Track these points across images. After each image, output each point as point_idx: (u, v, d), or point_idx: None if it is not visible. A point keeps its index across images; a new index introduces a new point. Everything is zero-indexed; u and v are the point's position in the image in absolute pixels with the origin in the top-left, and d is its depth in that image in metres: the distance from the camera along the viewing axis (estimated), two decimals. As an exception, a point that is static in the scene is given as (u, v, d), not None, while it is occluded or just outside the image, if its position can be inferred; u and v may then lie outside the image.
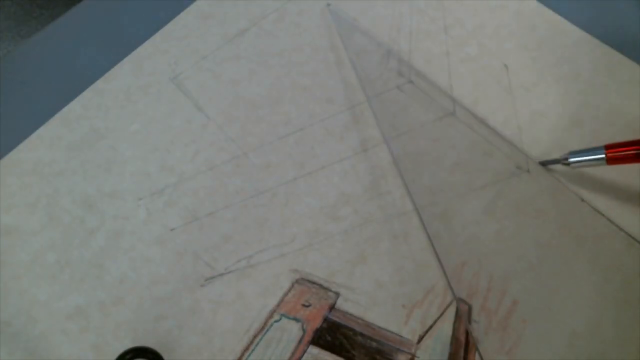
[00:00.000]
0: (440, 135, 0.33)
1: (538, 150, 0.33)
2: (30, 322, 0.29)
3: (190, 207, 0.32)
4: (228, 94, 0.35)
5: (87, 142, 0.34)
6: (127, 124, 0.34)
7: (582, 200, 0.31)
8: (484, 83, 0.35)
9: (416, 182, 0.32)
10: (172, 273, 0.30)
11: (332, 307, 0.29)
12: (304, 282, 0.29)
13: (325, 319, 0.29)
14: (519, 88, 0.35)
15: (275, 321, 0.29)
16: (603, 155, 0.29)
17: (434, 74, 0.35)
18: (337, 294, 0.29)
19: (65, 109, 0.35)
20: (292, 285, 0.29)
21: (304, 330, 0.28)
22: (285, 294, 0.29)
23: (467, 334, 0.28)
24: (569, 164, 0.31)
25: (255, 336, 0.28)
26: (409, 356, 0.28)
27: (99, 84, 0.36)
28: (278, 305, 0.29)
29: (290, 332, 0.28)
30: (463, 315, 0.28)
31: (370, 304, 0.29)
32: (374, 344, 0.28)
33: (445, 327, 0.28)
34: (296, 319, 0.29)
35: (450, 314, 0.29)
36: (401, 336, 0.28)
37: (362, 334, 0.28)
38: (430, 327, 0.28)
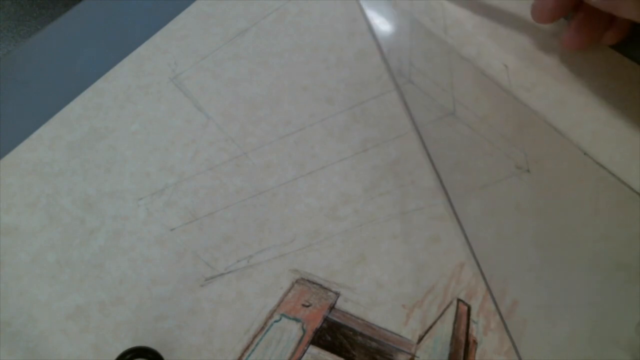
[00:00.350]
0: (440, 135, 0.33)
1: (539, 149, 0.33)
2: (30, 322, 0.29)
3: (190, 207, 0.32)
4: (228, 94, 0.35)
5: (87, 142, 0.34)
6: (127, 124, 0.34)
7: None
8: (484, 82, 0.35)
9: (416, 182, 0.32)
10: (172, 273, 0.30)
11: (332, 307, 0.29)
12: (304, 282, 0.29)
13: (325, 319, 0.29)
14: (519, 88, 0.35)
15: (275, 321, 0.29)
16: None
17: (435, 73, 0.35)
18: (337, 294, 0.29)
19: (65, 109, 0.35)
20: (292, 285, 0.29)
21: (304, 330, 0.28)
22: (285, 294, 0.29)
23: (467, 334, 0.28)
24: None
25: (255, 336, 0.28)
26: (409, 356, 0.28)
27: (99, 84, 0.36)
28: (278, 305, 0.29)
29: (290, 332, 0.28)
30: (462, 316, 0.28)
31: (370, 304, 0.29)
32: (374, 344, 0.28)
33: (445, 327, 0.28)
34: (296, 319, 0.29)
35: (450, 314, 0.29)
36: (401, 336, 0.28)
37: (362, 334, 0.28)
38: (430, 327, 0.28)
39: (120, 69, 0.36)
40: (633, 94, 0.34)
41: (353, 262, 0.30)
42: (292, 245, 0.30)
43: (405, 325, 0.28)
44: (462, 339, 0.28)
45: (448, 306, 0.29)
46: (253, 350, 0.28)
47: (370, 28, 0.37)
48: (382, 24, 0.37)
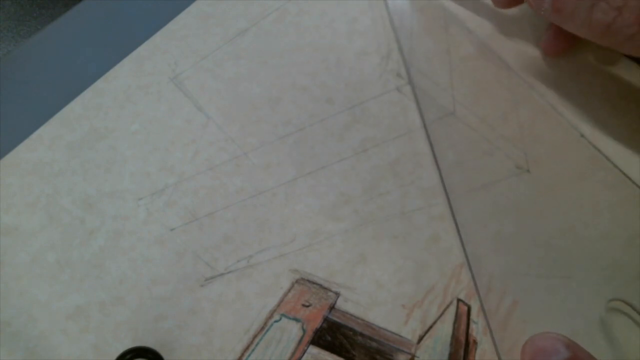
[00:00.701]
0: (440, 135, 0.33)
1: (539, 149, 0.33)
2: (30, 322, 0.29)
3: (190, 207, 0.32)
4: (228, 94, 0.35)
5: (87, 142, 0.34)
6: (127, 124, 0.34)
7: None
8: (484, 82, 0.35)
9: (416, 182, 0.32)
10: (172, 273, 0.30)
11: (332, 307, 0.29)
12: (304, 282, 0.29)
13: (325, 319, 0.29)
14: (519, 88, 0.35)
15: (275, 321, 0.29)
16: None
17: (435, 73, 0.35)
18: (337, 294, 0.29)
19: (65, 109, 0.35)
20: (292, 285, 0.29)
21: (304, 330, 0.28)
22: (285, 294, 0.29)
23: (467, 334, 0.28)
24: None
25: (255, 336, 0.28)
26: (409, 356, 0.28)
27: (99, 84, 0.36)
28: (278, 305, 0.29)
29: (290, 332, 0.28)
30: (462, 316, 0.28)
31: (370, 304, 0.29)
32: (374, 344, 0.28)
33: (445, 327, 0.28)
34: (296, 319, 0.29)
35: (450, 314, 0.29)
36: (401, 336, 0.28)
37: (362, 334, 0.28)
38: (430, 327, 0.28)
39: (120, 69, 0.36)
40: (633, 94, 0.34)
41: (353, 262, 0.30)
42: (292, 245, 0.30)
43: (405, 325, 0.28)
44: (462, 339, 0.28)
45: (448, 306, 0.29)
46: (253, 350, 0.28)
47: (369, 28, 0.37)
48: (381, 25, 0.37)
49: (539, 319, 0.28)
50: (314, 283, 0.29)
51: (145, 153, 0.33)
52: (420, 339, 0.28)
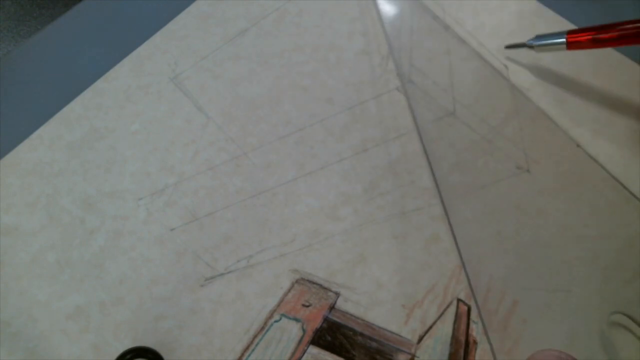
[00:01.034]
0: (440, 135, 0.33)
1: (539, 149, 0.33)
2: (30, 322, 0.29)
3: (190, 207, 0.32)
4: (228, 94, 0.35)
5: (87, 142, 0.34)
6: (127, 124, 0.34)
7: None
8: (484, 82, 0.35)
9: (416, 182, 0.32)
10: (172, 273, 0.30)
11: (332, 307, 0.29)
12: (304, 282, 0.29)
13: (325, 319, 0.29)
14: (519, 88, 0.35)
15: (275, 321, 0.29)
16: (564, 40, 0.32)
17: (435, 73, 0.35)
18: (337, 294, 0.29)
19: (65, 109, 0.35)
20: (292, 285, 0.29)
21: (304, 330, 0.28)
22: (285, 294, 0.29)
23: (467, 334, 0.28)
24: (532, 46, 0.33)
25: (255, 336, 0.28)
26: (409, 356, 0.28)
27: (99, 84, 0.36)
28: (278, 305, 0.29)
29: (290, 332, 0.28)
30: (462, 316, 0.28)
31: (370, 304, 0.29)
32: (374, 344, 0.28)
33: (445, 327, 0.28)
34: (296, 319, 0.29)
35: (450, 314, 0.29)
36: (401, 336, 0.28)
37: (362, 334, 0.28)
38: (430, 327, 0.28)
39: (120, 69, 0.36)
40: (633, 94, 0.34)
41: (353, 262, 0.30)
42: (292, 245, 0.30)
43: (405, 325, 0.28)
44: (462, 339, 0.28)
45: (448, 306, 0.29)
46: (253, 350, 0.28)
47: (369, 28, 0.37)
48: (384, 23, 0.37)
49: (539, 319, 0.28)
50: (314, 283, 0.29)
51: (145, 153, 0.33)
52: (420, 339, 0.28)
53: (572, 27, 0.37)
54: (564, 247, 0.30)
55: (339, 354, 0.28)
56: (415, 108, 0.34)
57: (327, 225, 0.31)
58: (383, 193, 0.32)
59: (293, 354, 0.28)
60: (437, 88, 0.35)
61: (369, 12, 0.38)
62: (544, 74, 0.35)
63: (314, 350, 0.28)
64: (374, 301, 0.29)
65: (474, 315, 0.28)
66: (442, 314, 0.29)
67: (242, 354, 0.28)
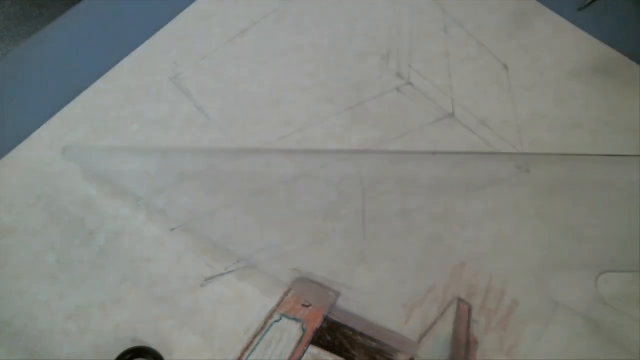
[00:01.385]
0: (440, 136, 0.33)
1: (538, 150, 0.33)
2: (30, 322, 0.29)
3: (190, 207, 0.32)
4: (228, 94, 0.35)
5: (87, 142, 0.34)
6: (127, 124, 0.34)
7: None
8: (483, 83, 0.35)
9: (416, 182, 0.32)
10: (172, 273, 0.30)
11: (332, 307, 0.29)
12: (304, 281, 0.29)
13: (325, 319, 0.29)
14: (519, 88, 0.35)
15: (275, 321, 0.29)
16: None
17: (434, 74, 0.35)
18: (338, 294, 0.29)
19: (65, 109, 0.35)
20: (292, 285, 0.29)
21: (304, 330, 0.28)
22: (285, 294, 0.29)
23: (468, 333, 0.28)
24: None
25: (255, 336, 0.28)
26: (409, 356, 0.28)
27: (99, 84, 0.36)
28: (278, 305, 0.29)
29: (290, 332, 0.28)
30: (463, 316, 0.28)
31: (371, 304, 0.29)
32: (374, 344, 0.28)
33: (446, 327, 0.28)
34: (296, 319, 0.29)
35: (450, 314, 0.29)
36: (401, 336, 0.28)
37: (362, 334, 0.28)
38: (431, 327, 0.28)
39: (120, 69, 0.36)
40: (633, 94, 0.34)
41: (353, 261, 0.30)
42: (292, 244, 0.30)
43: (406, 324, 0.28)
44: (463, 338, 0.28)
45: (448, 306, 0.29)
46: (253, 350, 0.28)
47: (370, 28, 0.37)
48: (382, 24, 0.37)
49: (539, 319, 0.28)
50: (314, 283, 0.29)
51: (145, 153, 0.33)
52: (421, 338, 0.28)
53: (575, 30, 0.37)
54: (564, 247, 0.30)
55: (339, 354, 0.28)
56: (414, 109, 0.34)
57: (327, 224, 0.31)
58: (383, 192, 0.32)
59: (293, 354, 0.28)
60: (436, 89, 0.35)
61: (369, 12, 0.38)
62: (543, 74, 0.35)
63: (314, 350, 0.28)
64: (374, 301, 0.29)
65: (474, 314, 0.28)
66: (443, 313, 0.29)
67: (242, 354, 0.28)
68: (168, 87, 0.35)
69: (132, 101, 0.35)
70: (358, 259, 0.30)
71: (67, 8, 0.39)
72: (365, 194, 0.32)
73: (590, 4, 0.33)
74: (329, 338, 0.28)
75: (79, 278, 0.30)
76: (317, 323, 0.28)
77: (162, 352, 0.27)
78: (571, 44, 0.36)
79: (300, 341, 0.28)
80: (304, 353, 0.28)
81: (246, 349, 0.28)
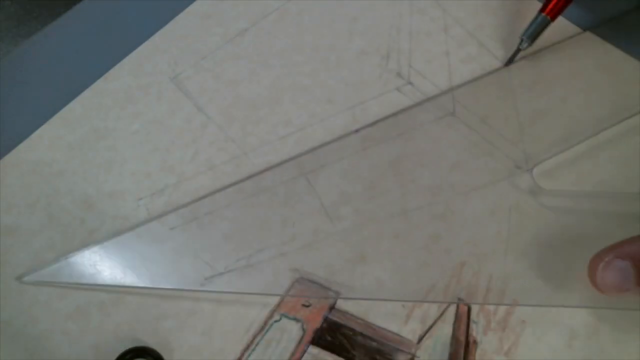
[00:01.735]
0: (440, 135, 0.33)
1: (538, 150, 0.33)
2: (30, 322, 0.29)
3: (190, 207, 0.32)
4: (228, 94, 0.35)
5: (87, 142, 0.34)
6: (127, 124, 0.34)
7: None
8: (484, 83, 0.35)
9: (416, 182, 0.32)
10: (172, 273, 0.30)
11: (332, 307, 0.29)
12: (304, 281, 0.29)
13: (325, 319, 0.29)
14: (519, 88, 0.35)
15: (275, 321, 0.29)
16: (544, 16, 0.34)
17: (434, 74, 0.35)
18: (338, 294, 0.29)
19: (65, 109, 0.35)
20: (292, 285, 0.29)
21: (304, 330, 0.28)
22: (285, 294, 0.29)
23: (467, 334, 0.28)
24: (523, 41, 0.34)
25: (255, 336, 0.28)
26: (409, 356, 0.28)
27: (99, 84, 0.36)
28: (278, 305, 0.29)
29: (290, 332, 0.28)
30: (462, 316, 0.28)
31: (371, 304, 0.29)
32: (374, 344, 0.28)
33: (445, 327, 0.28)
34: (296, 319, 0.29)
35: (450, 314, 0.29)
36: (401, 336, 0.28)
37: (362, 334, 0.28)
38: (430, 327, 0.28)
39: (120, 69, 0.36)
40: (633, 93, 0.34)
41: (353, 261, 0.30)
42: (292, 244, 0.30)
43: (405, 325, 0.28)
44: (462, 339, 0.28)
45: (448, 306, 0.29)
46: (253, 350, 0.28)
47: (370, 28, 0.37)
48: (382, 24, 0.37)
49: (539, 319, 0.28)
50: (314, 282, 0.29)
51: (145, 153, 0.33)
52: (420, 339, 0.28)
53: (569, 25, 0.37)
54: (564, 247, 0.30)
55: (339, 354, 0.28)
56: (415, 108, 0.34)
57: (327, 224, 0.31)
58: (383, 192, 0.32)
59: (293, 354, 0.28)
60: (436, 88, 0.35)
61: (368, 12, 0.38)
62: (543, 73, 0.35)
63: (314, 350, 0.28)
64: (374, 301, 0.29)
65: (474, 315, 0.28)
66: (442, 313, 0.29)
67: (242, 354, 0.28)
68: (168, 87, 0.35)
69: (132, 101, 0.35)
70: (358, 258, 0.30)
71: (67, 8, 0.39)
72: (366, 193, 0.32)
73: (513, 57, 0.35)
74: (329, 338, 0.28)
75: (79, 278, 0.30)
76: (317, 323, 0.28)
77: (162, 352, 0.27)
78: (571, 43, 0.36)
79: (300, 341, 0.28)
80: (304, 353, 0.28)
81: (246, 349, 0.28)
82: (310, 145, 0.33)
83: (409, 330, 0.28)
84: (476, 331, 0.28)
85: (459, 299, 0.29)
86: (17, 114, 0.35)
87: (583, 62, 0.36)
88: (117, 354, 0.26)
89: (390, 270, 0.30)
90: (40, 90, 0.35)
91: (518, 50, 0.34)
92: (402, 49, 0.36)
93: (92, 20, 0.38)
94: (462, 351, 0.28)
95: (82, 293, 0.29)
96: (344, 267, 0.30)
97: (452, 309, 0.29)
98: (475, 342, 0.28)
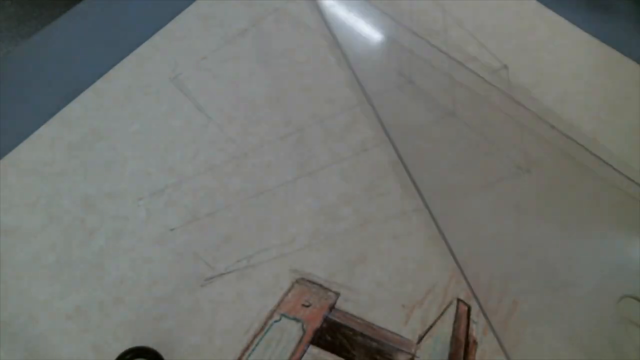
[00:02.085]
0: (440, 135, 0.33)
1: (540, 148, 0.33)
2: (30, 322, 0.29)
3: (190, 207, 0.32)
4: (228, 94, 0.35)
5: (87, 142, 0.34)
6: (127, 124, 0.34)
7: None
8: (484, 83, 0.35)
9: (416, 182, 0.32)
10: (172, 273, 0.30)
11: (332, 307, 0.29)
12: (304, 282, 0.29)
13: (325, 319, 0.29)
14: (519, 88, 0.35)
15: (275, 321, 0.29)
16: None
17: (434, 73, 0.35)
18: (337, 294, 0.29)
19: (65, 109, 0.35)
20: (292, 285, 0.29)
21: (304, 330, 0.28)
22: (285, 294, 0.29)
23: (467, 334, 0.28)
24: None
25: (255, 336, 0.28)
26: (409, 356, 0.28)
27: (99, 84, 0.36)
28: (278, 305, 0.29)
29: (290, 332, 0.28)
30: (462, 316, 0.28)
31: (370, 304, 0.29)
32: (374, 344, 0.28)
33: (445, 327, 0.28)
34: (296, 319, 0.29)
35: (450, 314, 0.29)
36: (401, 336, 0.28)
37: (362, 334, 0.28)
38: (430, 327, 0.28)
39: (120, 69, 0.36)
40: (633, 94, 0.34)
41: (353, 262, 0.30)
42: (292, 245, 0.30)
43: (405, 325, 0.28)
44: (462, 338, 0.28)
45: (448, 306, 0.29)
46: (253, 350, 0.28)
47: (370, 28, 0.37)
48: (382, 24, 0.37)
49: (539, 319, 0.28)
50: (314, 283, 0.29)
51: (145, 153, 0.33)
52: (420, 338, 0.28)
53: (574, 30, 0.37)
54: (564, 246, 0.30)
55: (339, 354, 0.28)
56: (415, 108, 0.34)
57: (327, 225, 0.31)
58: (383, 193, 0.32)
59: (293, 354, 0.28)
60: (437, 88, 0.35)
61: (368, 12, 0.38)
62: (543, 73, 0.35)
63: (314, 350, 0.28)
64: (374, 301, 0.29)
65: (474, 315, 0.28)
66: (442, 313, 0.29)
67: (242, 354, 0.28)
68: (168, 87, 0.35)
69: (132, 101, 0.35)
70: (358, 259, 0.30)
71: (67, 8, 0.39)
72: (366, 193, 0.32)
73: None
74: (329, 338, 0.28)
75: (79, 278, 0.30)
76: (317, 323, 0.28)
77: (162, 352, 0.27)
78: (571, 44, 0.36)
79: (300, 341, 0.28)
80: (304, 353, 0.28)
81: (246, 349, 0.28)
82: (310, 145, 0.33)
83: (409, 330, 0.28)
84: (476, 331, 0.28)
85: (459, 299, 0.29)
86: (17, 114, 0.35)
87: (583, 63, 0.36)
88: (117, 354, 0.26)
89: (390, 271, 0.30)
90: (40, 90, 0.35)
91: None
92: (402, 49, 0.36)
93: (92, 20, 0.38)
94: (462, 351, 0.28)
95: (82, 293, 0.29)
96: (344, 268, 0.30)
97: (452, 309, 0.29)
98: (475, 342, 0.28)
